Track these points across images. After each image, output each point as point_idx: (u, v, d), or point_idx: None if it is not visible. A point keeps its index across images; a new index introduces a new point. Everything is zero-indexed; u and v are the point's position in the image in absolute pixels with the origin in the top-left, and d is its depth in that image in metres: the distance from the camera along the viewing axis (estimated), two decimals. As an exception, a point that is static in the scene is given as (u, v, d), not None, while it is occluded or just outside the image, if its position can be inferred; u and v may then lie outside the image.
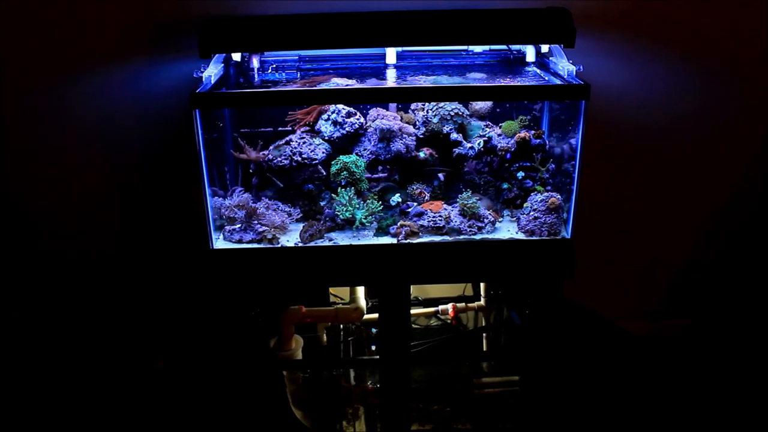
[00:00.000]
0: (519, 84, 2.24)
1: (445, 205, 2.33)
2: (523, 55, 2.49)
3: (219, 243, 2.27)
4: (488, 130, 2.47)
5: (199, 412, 2.60)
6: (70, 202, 2.73)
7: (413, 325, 2.88)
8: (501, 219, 2.36)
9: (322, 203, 2.36)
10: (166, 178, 2.73)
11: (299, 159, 2.33)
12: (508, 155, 2.40)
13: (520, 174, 2.39)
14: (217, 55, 2.30)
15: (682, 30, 2.62)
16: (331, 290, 2.79)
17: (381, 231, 2.28)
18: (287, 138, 2.39)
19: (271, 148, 2.39)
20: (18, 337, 2.90)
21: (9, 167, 2.67)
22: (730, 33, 2.64)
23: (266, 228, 2.24)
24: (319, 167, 2.37)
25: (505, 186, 2.41)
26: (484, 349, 2.92)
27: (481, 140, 2.41)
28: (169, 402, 2.69)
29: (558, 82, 2.20)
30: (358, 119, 2.39)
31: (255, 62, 2.40)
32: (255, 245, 2.25)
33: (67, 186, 2.71)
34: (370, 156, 2.37)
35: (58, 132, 2.62)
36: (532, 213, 2.27)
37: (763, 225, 3.01)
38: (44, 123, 2.61)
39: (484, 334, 2.93)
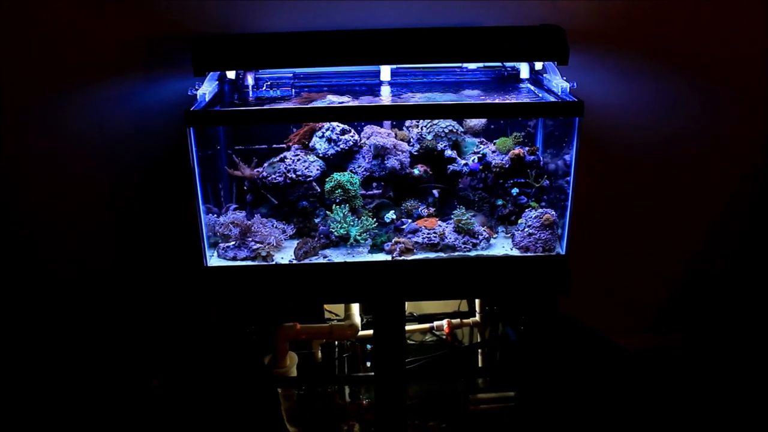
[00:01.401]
0: (513, 101, 2.25)
1: (439, 222, 2.33)
2: (517, 71, 2.50)
3: (213, 260, 2.27)
4: (482, 146, 2.48)
5: (195, 429, 2.59)
6: (64, 218, 2.73)
7: (408, 342, 2.87)
8: (496, 235, 2.36)
9: (316, 220, 2.36)
10: (161, 194, 2.73)
11: (293, 176, 2.33)
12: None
13: (515, 190, 2.39)
14: (211, 72, 2.30)
15: (676, 46, 2.63)
16: (326, 307, 2.78)
17: (375, 248, 2.28)
18: (281, 155, 2.39)
19: (265, 165, 2.39)
20: (10, 353, 2.88)
21: (4, 181, 2.66)
22: (724, 47, 2.65)
23: (260, 245, 2.24)
24: (314, 184, 2.37)
25: (500, 202, 2.41)
26: (480, 365, 2.91)
27: (476, 157, 2.42)
28: (164, 420, 2.69)
29: (552, 99, 2.21)
30: (352, 136, 2.40)
31: (250, 79, 2.40)
32: (249, 262, 2.24)
33: (62, 202, 2.70)
34: (364, 173, 2.37)
35: (53, 147, 2.62)
36: (526, 229, 2.27)
37: (759, 239, 3.01)
38: (40, 138, 2.60)
39: (479, 350, 2.92)
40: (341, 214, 2.24)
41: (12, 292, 2.85)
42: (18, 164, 2.64)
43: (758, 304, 3.13)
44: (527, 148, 2.41)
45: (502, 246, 2.32)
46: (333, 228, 2.26)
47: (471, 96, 2.32)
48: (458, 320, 2.87)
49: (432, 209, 2.38)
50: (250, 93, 2.39)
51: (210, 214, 2.30)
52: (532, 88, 2.40)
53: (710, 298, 3.15)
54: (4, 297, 2.85)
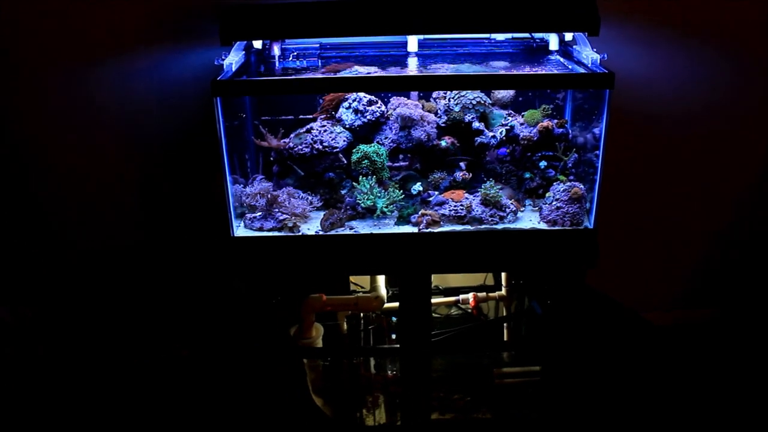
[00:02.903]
0: (542, 72, 2.21)
1: (466, 194, 2.31)
2: (546, 43, 2.46)
3: (240, 231, 2.28)
4: (510, 119, 2.45)
5: (223, 398, 2.63)
6: (91, 191, 2.75)
7: (434, 315, 2.88)
8: (523, 209, 2.35)
9: (342, 192, 2.35)
10: (188, 165, 2.74)
11: (320, 147, 2.33)
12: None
13: (543, 163, 2.37)
14: (238, 42, 2.30)
15: (708, 17, 2.58)
16: (352, 279, 2.79)
17: (402, 220, 2.28)
18: (308, 126, 2.38)
19: (292, 136, 2.38)
20: (42, 326, 2.93)
21: (30, 156, 2.68)
22: (757, 19, 2.59)
23: (287, 216, 2.25)
24: (340, 155, 2.36)
25: (528, 175, 2.39)
26: (505, 338, 2.91)
27: (504, 129, 2.39)
28: (193, 389, 2.73)
29: (582, 70, 2.17)
30: (379, 107, 2.38)
31: (276, 50, 2.39)
32: (276, 233, 2.25)
33: (89, 175, 2.72)
34: (391, 144, 2.36)
35: (79, 120, 2.64)
36: (554, 203, 2.25)
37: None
38: (65, 111, 2.62)
39: (505, 324, 2.92)
40: (368, 186, 2.24)
41: (42, 265, 2.88)
42: (44, 138, 2.66)
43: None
44: (556, 121, 2.38)
45: (529, 219, 2.30)
46: (359, 199, 2.26)
47: (499, 67, 2.29)
48: (484, 293, 2.86)
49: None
50: (277, 63, 2.38)
51: (237, 185, 2.31)
52: (562, 59, 2.37)
53: (740, 275, 3.11)
54: (35, 271, 2.89)
